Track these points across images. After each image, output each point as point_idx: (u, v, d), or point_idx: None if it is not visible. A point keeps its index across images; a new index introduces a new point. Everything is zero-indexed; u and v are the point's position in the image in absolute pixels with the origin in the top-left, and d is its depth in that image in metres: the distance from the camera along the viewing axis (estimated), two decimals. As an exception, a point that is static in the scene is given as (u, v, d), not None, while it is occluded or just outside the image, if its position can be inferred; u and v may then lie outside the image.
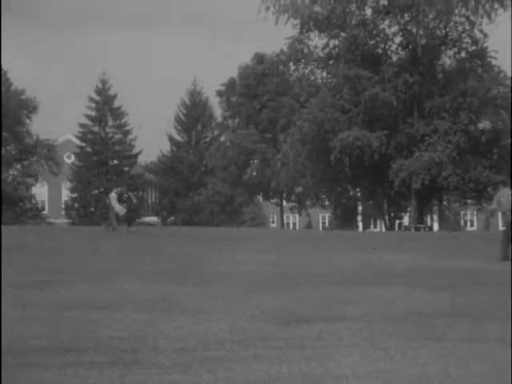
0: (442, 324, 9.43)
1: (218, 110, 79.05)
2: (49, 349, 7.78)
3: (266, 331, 8.94)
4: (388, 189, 52.90)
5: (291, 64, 54.84)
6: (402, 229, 59.22)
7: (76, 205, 78.02)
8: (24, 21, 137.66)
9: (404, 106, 52.29)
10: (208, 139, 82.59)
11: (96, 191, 77.24)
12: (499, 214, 19.64)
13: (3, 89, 71.70)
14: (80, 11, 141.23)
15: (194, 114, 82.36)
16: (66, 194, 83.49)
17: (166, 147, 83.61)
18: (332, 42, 53.35)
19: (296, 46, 53.05)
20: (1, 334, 8.15)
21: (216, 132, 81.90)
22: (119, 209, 30.08)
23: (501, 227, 27.35)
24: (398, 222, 63.27)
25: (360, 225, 74.39)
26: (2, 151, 73.26)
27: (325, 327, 9.19)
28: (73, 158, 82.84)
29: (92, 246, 22.38)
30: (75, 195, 78.54)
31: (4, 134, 72.42)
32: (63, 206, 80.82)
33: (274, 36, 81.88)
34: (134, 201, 32.08)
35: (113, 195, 30.90)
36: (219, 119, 79.07)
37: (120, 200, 30.51)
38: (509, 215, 18.56)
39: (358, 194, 60.43)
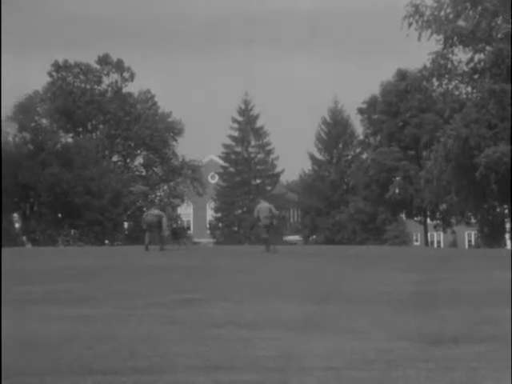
0: None
1: (359, 128, 78.67)
2: (198, 367, 7.92)
3: (413, 352, 8.79)
4: (537, 205, 51.12)
5: (434, 79, 53.87)
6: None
7: (220, 224, 79.31)
8: (169, 43, 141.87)
9: (553, 120, 50.48)
10: (349, 157, 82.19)
11: (239, 211, 78.30)
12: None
13: (151, 111, 73.97)
14: (221, 32, 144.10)
15: (335, 132, 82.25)
16: (210, 214, 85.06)
17: (308, 166, 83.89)
18: (477, 57, 52.11)
19: (439, 61, 52.16)
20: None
21: (357, 150, 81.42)
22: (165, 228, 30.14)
23: None
24: (548, 239, 60.99)
25: (508, 242, 72.11)
26: (150, 173, 75.49)
27: (474, 348, 8.95)
28: (216, 178, 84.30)
29: (237, 265, 22.64)
30: (219, 215, 79.85)
31: (151, 155, 74.59)
32: (208, 226, 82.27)
33: (417, 52, 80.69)
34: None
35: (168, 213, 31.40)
36: (360, 137, 78.60)
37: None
38: (266, 223, 26.73)
39: (506, 211, 58.65)
